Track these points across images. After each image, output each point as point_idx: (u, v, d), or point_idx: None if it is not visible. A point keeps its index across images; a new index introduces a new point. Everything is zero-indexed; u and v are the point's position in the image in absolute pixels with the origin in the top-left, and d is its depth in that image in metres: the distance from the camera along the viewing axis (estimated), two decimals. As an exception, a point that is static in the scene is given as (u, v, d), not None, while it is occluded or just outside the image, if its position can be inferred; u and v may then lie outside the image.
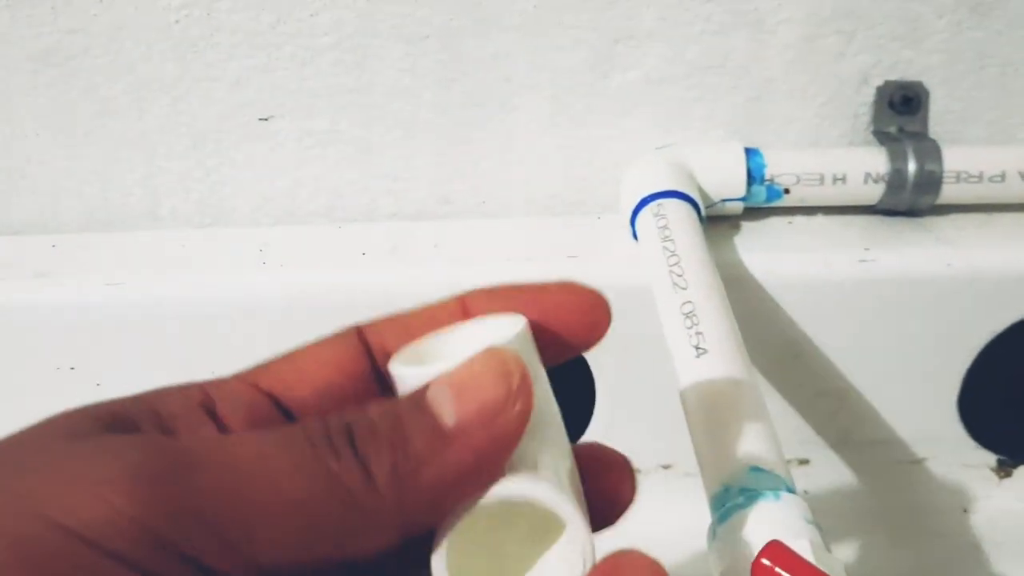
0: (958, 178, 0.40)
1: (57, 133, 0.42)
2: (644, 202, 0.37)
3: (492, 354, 0.15)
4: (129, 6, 0.39)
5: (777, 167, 0.39)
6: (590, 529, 0.16)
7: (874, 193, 0.40)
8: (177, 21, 0.39)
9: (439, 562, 0.15)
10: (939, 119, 0.42)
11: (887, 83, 0.41)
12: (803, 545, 0.21)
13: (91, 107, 0.41)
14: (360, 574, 0.15)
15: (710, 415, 0.27)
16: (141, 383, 0.17)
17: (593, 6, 0.39)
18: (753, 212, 0.41)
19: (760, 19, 0.40)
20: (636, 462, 0.43)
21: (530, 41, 0.40)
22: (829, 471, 0.43)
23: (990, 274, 0.39)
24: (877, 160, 0.40)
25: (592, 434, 0.41)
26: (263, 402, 0.16)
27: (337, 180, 0.43)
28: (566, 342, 0.18)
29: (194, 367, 0.20)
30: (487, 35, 0.40)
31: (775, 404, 0.41)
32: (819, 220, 0.41)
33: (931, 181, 0.39)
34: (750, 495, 0.23)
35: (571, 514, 0.15)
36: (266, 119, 0.41)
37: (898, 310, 0.39)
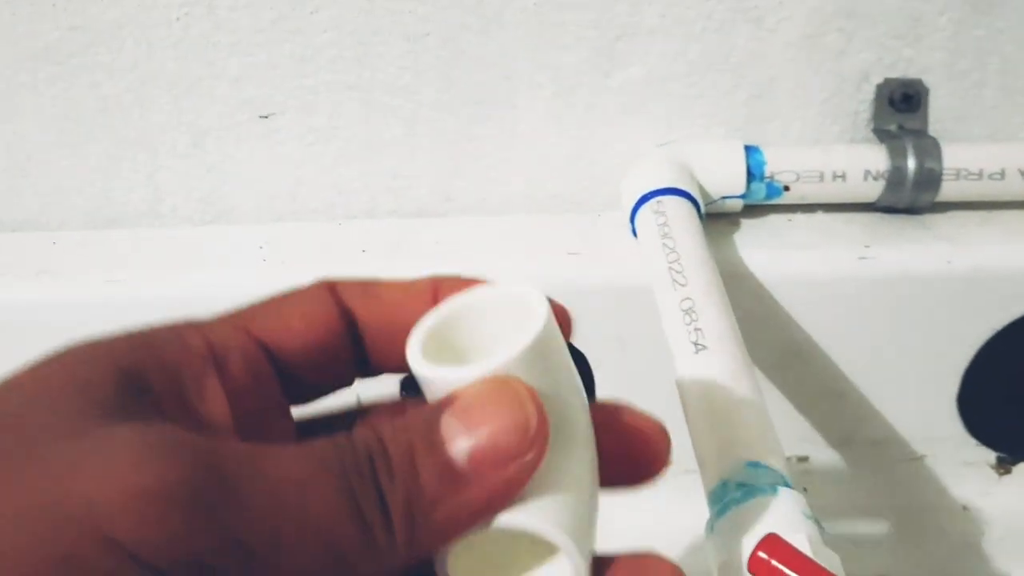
0: (958, 175, 0.40)
1: (58, 130, 0.42)
2: (644, 199, 0.37)
3: (512, 394, 0.15)
4: (131, 4, 0.39)
5: (777, 164, 0.39)
6: (587, 556, 0.16)
7: (874, 190, 0.40)
8: (178, 19, 0.39)
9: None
10: (939, 117, 0.42)
11: (887, 81, 0.41)
12: (800, 539, 0.21)
13: (92, 104, 0.41)
14: None
15: (708, 411, 0.27)
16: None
17: (595, 4, 0.40)
18: (753, 209, 0.41)
19: (761, 17, 0.40)
20: (636, 459, 0.43)
21: (531, 39, 0.40)
22: (829, 468, 0.43)
23: (990, 271, 0.39)
24: (877, 157, 0.40)
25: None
26: (256, 351, 0.17)
27: (338, 177, 0.43)
28: None
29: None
30: (488, 32, 0.40)
31: (775, 401, 0.41)
32: (819, 217, 0.41)
33: (931, 179, 0.39)
34: (748, 490, 0.23)
35: (566, 545, 0.15)
36: (267, 116, 0.41)
37: (898, 307, 0.39)
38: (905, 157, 0.39)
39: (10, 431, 0.13)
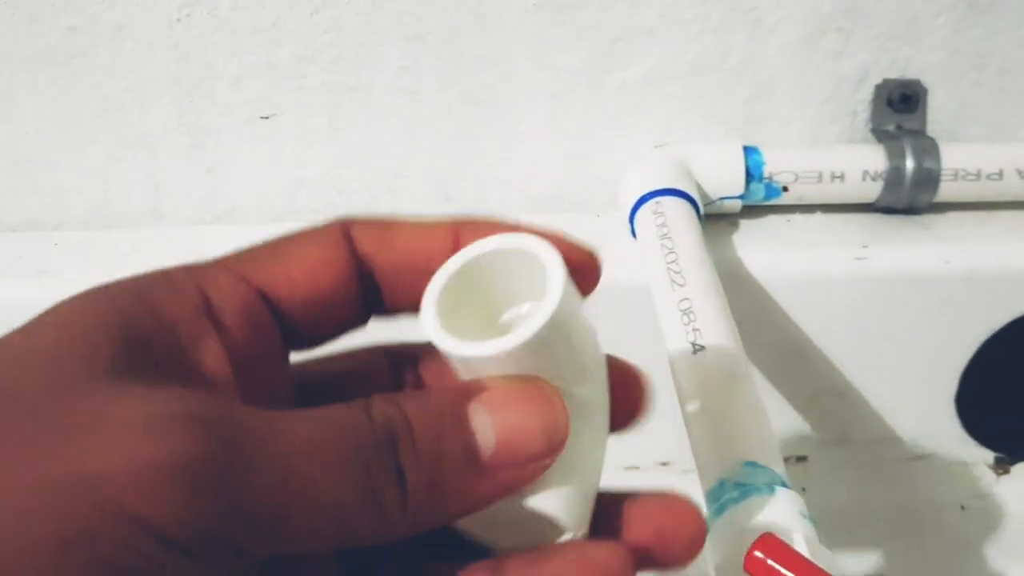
0: (956, 176, 0.40)
1: (59, 131, 0.42)
2: (643, 200, 0.37)
3: (541, 397, 0.15)
4: (131, 4, 0.39)
5: (775, 165, 0.39)
6: (587, 516, 0.17)
7: (872, 191, 0.40)
8: (179, 20, 0.39)
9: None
10: (937, 117, 0.42)
11: (886, 81, 0.42)
12: (797, 539, 0.21)
13: (93, 105, 0.41)
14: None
15: (706, 411, 0.27)
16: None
17: (593, 5, 0.40)
18: (752, 210, 0.41)
19: (759, 18, 0.40)
20: (634, 459, 0.43)
21: (531, 39, 0.40)
22: (827, 468, 0.43)
23: (988, 272, 0.39)
24: (875, 158, 0.40)
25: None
26: (255, 301, 0.16)
27: (337, 178, 0.43)
28: None
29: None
30: (487, 33, 0.40)
31: (773, 401, 0.42)
32: (817, 218, 0.41)
33: (929, 179, 0.39)
34: (745, 489, 0.24)
35: (568, 525, 0.16)
36: (267, 117, 0.42)
37: (896, 307, 0.39)
38: (903, 157, 0.39)
39: (8, 394, 0.13)
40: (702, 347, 0.29)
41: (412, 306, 0.17)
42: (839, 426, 0.42)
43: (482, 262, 0.16)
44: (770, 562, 0.18)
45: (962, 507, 0.42)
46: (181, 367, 0.15)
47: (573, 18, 0.40)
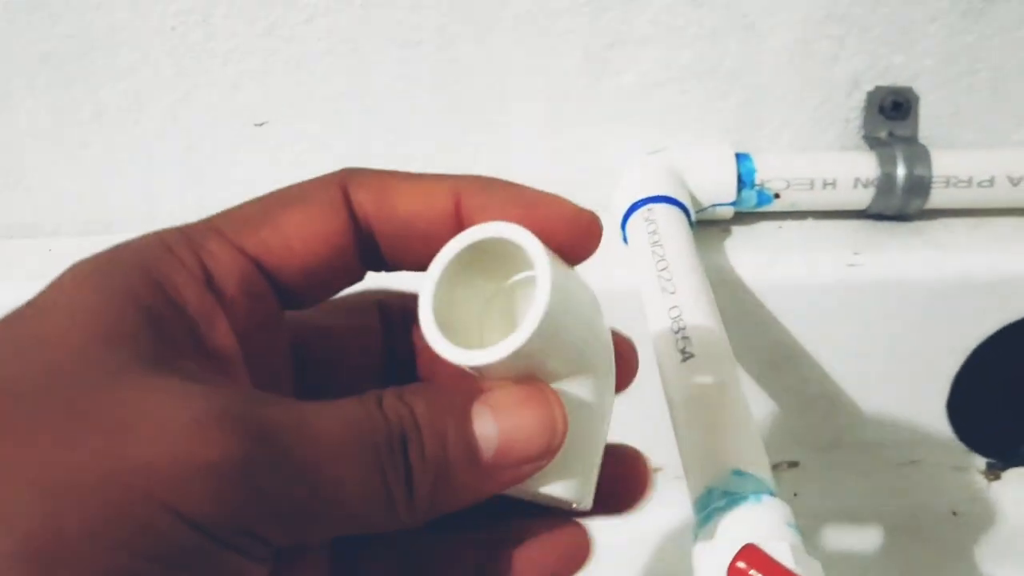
0: (947, 183, 0.40)
1: (54, 137, 0.42)
2: (634, 207, 0.37)
3: (542, 402, 0.16)
4: (126, 11, 0.39)
5: (767, 172, 0.40)
6: (590, 492, 0.18)
7: (864, 198, 0.40)
8: (174, 28, 0.39)
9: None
10: (929, 124, 0.42)
11: (878, 88, 0.42)
12: (782, 548, 0.21)
13: (88, 111, 0.41)
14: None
15: (695, 419, 0.27)
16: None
17: (587, 10, 0.40)
18: (743, 216, 0.41)
19: (752, 24, 0.40)
20: (628, 464, 0.43)
21: (524, 46, 0.41)
22: (819, 474, 0.43)
23: (979, 278, 0.39)
24: (867, 165, 0.40)
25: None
26: (252, 271, 0.16)
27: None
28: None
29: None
30: (481, 40, 0.40)
31: (766, 407, 0.42)
32: (809, 224, 0.41)
33: (920, 186, 0.40)
34: (732, 498, 0.24)
35: (568, 503, 0.17)
36: (261, 124, 0.42)
37: (888, 314, 0.39)
38: (895, 164, 0.40)
39: (39, 381, 0.13)
40: (691, 355, 0.29)
41: (414, 266, 0.18)
42: (831, 432, 0.43)
43: (474, 248, 0.17)
44: (752, 572, 0.18)
45: (954, 512, 0.43)
46: (197, 348, 0.15)
47: (566, 25, 0.40)
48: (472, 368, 0.16)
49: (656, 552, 0.40)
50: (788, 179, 0.40)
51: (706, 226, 0.41)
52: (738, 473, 0.25)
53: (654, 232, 0.35)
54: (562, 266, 0.16)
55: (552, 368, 0.17)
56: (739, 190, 0.39)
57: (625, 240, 0.38)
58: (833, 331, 0.40)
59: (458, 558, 0.18)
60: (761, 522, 0.23)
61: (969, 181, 0.40)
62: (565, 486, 0.17)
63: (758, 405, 0.42)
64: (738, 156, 0.40)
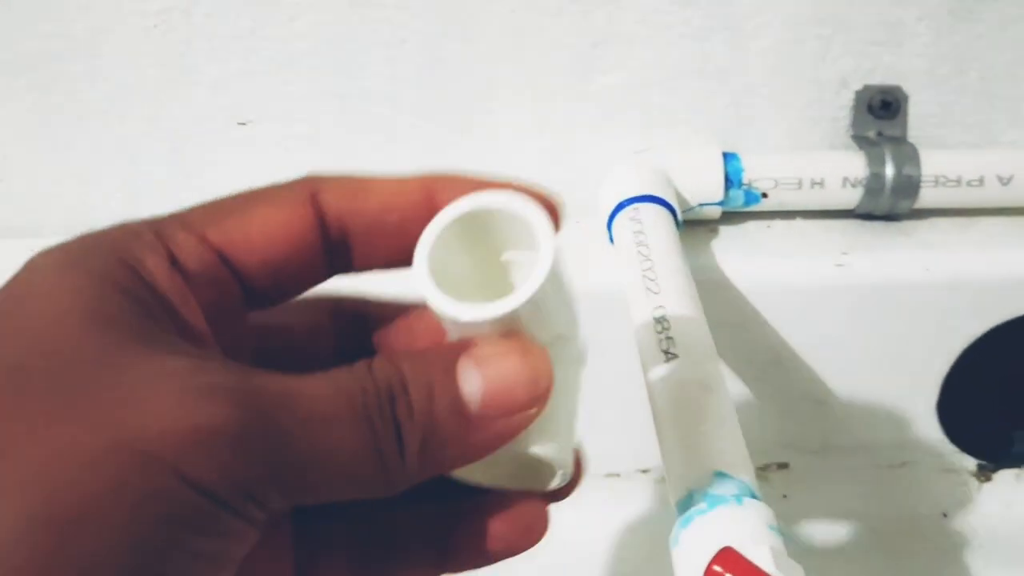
0: (936, 182, 0.40)
1: (36, 137, 0.42)
2: (620, 207, 0.37)
3: (527, 352, 0.16)
4: (107, 11, 0.39)
5: (755, 171, 0.39)
6: (571, 456, 0.18)
7: (852, 197, 0.40)
8: (155, 26, 0.39)
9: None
10: (918, 123, 0.42)
11: (866, 87, 0.41)
12: (763, 551, 0.21)
13: (69, 111, 0.41)
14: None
15: (677, 420, 0.26)
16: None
17: (573, 10, 0.40)
18: (731, 216, 0.41)
19: (739, 23, 0.40)
20: (614, 466, 0.43)
21: (509, 45, 0.40)
22: (809, 475, 0.43)
23: (969, 278, 0.39)
24: (855, 164, 0.40)
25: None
26: (214, 260, 0.17)
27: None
28: None
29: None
30: (467, 39, 0.40)
31: (755, 408, 0.41)
32: (798, 224, 0.41)
33: (909, 185, 0.39)
34: (713, 500, 0.23)
35: (556, 463, 0.17)
36: (244, 124, 0.41)
37: (876, 315, 0.39)
38: (883, 164, 0.39)
39: (47, 357, 0.14)
40: (675, 356, 0.28)
41: (384, 263, 0.18)
42: (821, 433, 0.42)
43: (471, 217, 0.17)
44: (729, 576, 0.18)
45: (944, 514, 0.42)
46: (176, 326, 0.16)
47: (551, 24, 0.40)
48: (465, 324, 0.16)
49: (640, 555, 0.39)
50: (776, 178, 0.39)
51: (694, 226, 0.40)
52: (720, 475, 0.24)
53: (639, 232, 0.35)
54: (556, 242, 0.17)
55: (535, 335, 0.17)
56: (726, 189, 0.39)
57: (611, 240, 0.38)
58: (822, 332, 0.39)
59: (418, 530, 0.19)
60: (742, 525, 0.22)
61: (958, 181, 0.40)
62: (550, 448, 0.18)
63: (747, 406, 0.41)
64: (725, 155, 0.39)
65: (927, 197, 0.40)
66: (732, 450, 0.26)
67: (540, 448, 0.17)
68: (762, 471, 0.43)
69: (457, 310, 0.16)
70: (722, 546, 0.19)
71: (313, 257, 0.17)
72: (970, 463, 0.43)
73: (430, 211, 0.17)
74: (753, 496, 0.24)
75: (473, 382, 0.16)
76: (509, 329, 0.16)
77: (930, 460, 0.43)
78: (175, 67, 0.40)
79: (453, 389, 0.16)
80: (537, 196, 0.17)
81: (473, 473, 0.18)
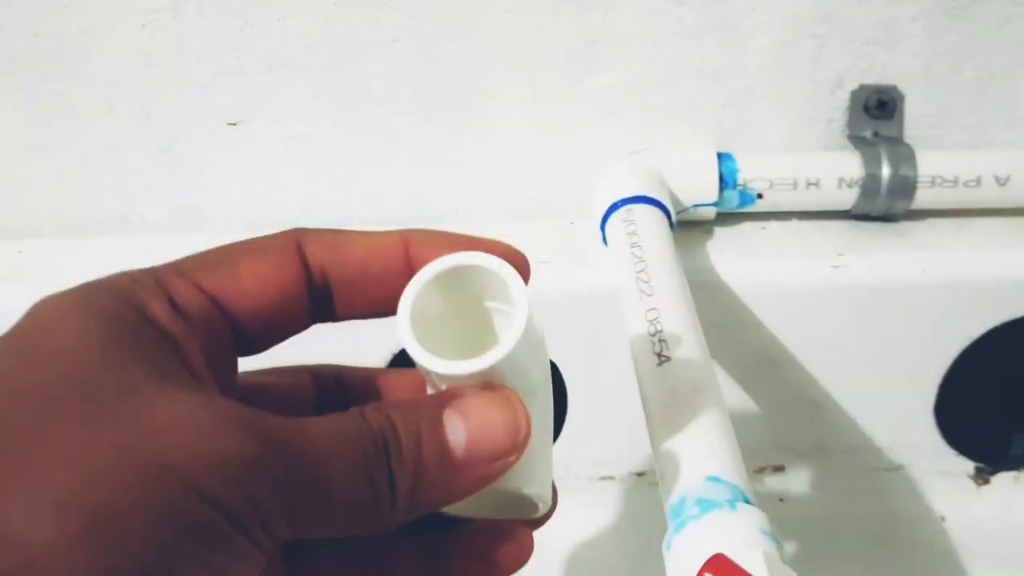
0: (933, 183, 0.39)
1: (25, 138, 0.41)
2: (614, 207, 0.37)
3: (507, 405, 0.18)
4: (96, 10, 0.38)
5: (750, 172, 0.39)
6: (549, 489, 0.20)
7: (848, 198, 0.40)
8: (144, 25, 0.39)
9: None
10: (915, 123, 0.42)
11: (862, 87, 0.41)
12: (756, 556, 0.21)
13: (60, 112, 0.41)
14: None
15: (670, 423, 0.26)
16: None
17: (568, 9, 0.39)
18: (726, 217, 0.41)
19: (734, 23, 0.40)
20: (609, 469, 0.43)
21: (504, 44, 0.40)
22: (805, 478, 0.43)
23: (965, 279, 0.38)
24: (851, 165, 0.39)
25: (565, 440, 0.41)
26: (209, 306, 0.18)
27: (310, 185, 0.43)
28: None
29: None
30: (460, 39, 0.40)
31: (750, 411, 0.41)
32: (793, 225, 0.41)
33: (905, 186, 0.39)
34: (706, 505, 0.23)
35: (536, 498, 0.19)
36: (235, 124, 0.41)
37: (873, 316, 0.39)
38: (879, 164, 0.39)
39: (64, 386, 0.15)
40: (668, 358, 0.28)
41: (365, 312, 0.19)
42: (817, 436, 0.42)
43: (450, 272, 0.18)
44: (720, 584, 0.18)
45: (942, 518, 0.42)
46: (187, 368, 0.17)
47: (547, 23, 0.40)
48: (448, 377, 0.17)
49: (635, 559, 0.39)
50: (771, 179, 0.39)
51: (688, 227, 0.40)
52: (713, 479, 0.24)
53: (633, 233, 0.34)
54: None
55: (513, 384, 0.18)
56: (721, 190, 0.39)
57: (605, 241, 0.37)
58: (817, 334, 0.39)
59: (407, 558, 0.20)
60: (735, 530, 0.22)
61: (955, 181, 0.39)
62: (529, 484, 0.19)
63: (741, 409, 0.41)
64: (720, 156, 0.39)
65: (923, 198, 0.39)
66: (726, 454, 0.25)
67: (520, 485, 0.19)
68: (757, 474, 0.42)
69: (440, 365, 0.17)
70: (714, 552, 0.19)
71: (299, 305, 0.19)
72: (968, 466, 0.43)
73: (407, 263, 0.19)
74: (746, 501, 0.23)
75: (458, 431, 0.17)
76: (489, 380, 0.18)
77: (927, 463, 0.42)
78: (165, 67, 0.40)
79: (440, 437, 0.17)
80: (507, 252, 0.19)
81: (459, 508, 0.19)
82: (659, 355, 0.28)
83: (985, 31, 0.40)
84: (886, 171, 0.39)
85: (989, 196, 0.40)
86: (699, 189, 0.39)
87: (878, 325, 0.39)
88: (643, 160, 0.40)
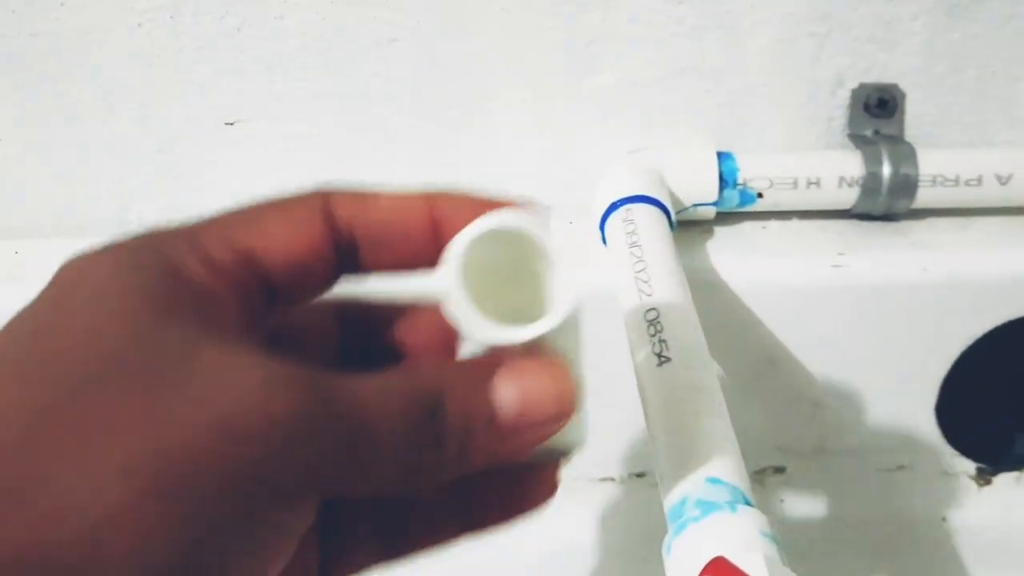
0: (934, 182, 0.39)
1: (22, 137, 0.41)
2: (613, 207, 0.37)
3: (558, 373, 0.18)
4: (93, 9, 0.38)
5: (750, 171, 0.39)
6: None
7: (849, 197, 0.39)
8: (140, 24, 0.38)
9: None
10: (915, 122, 0.42)
11: (862, 86, 0.41)
12: (756, 559, 0.20)
13: (57, 111, 0.41)
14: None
15: (670, 424, 0.26)
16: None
17: (567, 9, 0.39)
18: (726, 217, 0.40)
19: (734, 22, 0.40)
20: (609, 470, 0.42)
21: (504, 44, 0.40)
22: (805, 479, 0.42)
23: (967, 279, 0.38)
24: (852, 163, 0.39)
25: (565, 442, 0.41)
26: (242, 264, 0.17)
27: (309, 184, 0.42)
28: None
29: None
30: (460, 38, 0.40)
31: (750, 411, 0.41)
32: (794, 225, 0.41)
33: (906, 185, 0.39)
34: (706, 507, 0.23)
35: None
36: (232, 123, 0.41)
37: (874, 316, 0.39)
38: (880, 163, 0.39)
39: (118, 347, 0.15)
40: (668, 359, 0.28)
41: (390, 268, 0.19)
42: (817, 437, 0.42)
43: (491, 236, 0.18)
44: (720, 587, 0.17)
45: (943, 519, 0.42)
46: (231, 326, 0.17)
47: (547, 22, 0.39)
48: (499, 344, 0.17)
49: (635, 561, 0.39)
50: (771, 178, 0.39)
51: (688, 227, 0.40)
52: (713, 481, 0.24)
53: (632, 232, 0.34)
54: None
55: (556, 349, 0.18)
56: (721, 189, 0.39)
57: (604, 241, 0.37)
58: (818, 334, 0.39)
59: (441, 498, 0.20)
60: (735, 532, 0.22)
61: (956, 180, 0.39)
62: (568, 438, 0.19)
63: (742, 410, 0.41)
64: (720, 155, 0.39)
65: (925, 197, 0.39)
66: (726, 455, 0.25)
67: (560, 440, 0.19)
68: (758, 475, 0.42)
69: (493, 333, 0.17)
70: (714, 555, 0.19)
71: (326, 261, 0.18)
72: (969, 466, 0.42)
73: (431, 223, 0.19)
74: (747, 502, 0.23)
75: (509, 398, 0.17)
76: (536, 345, 0.17)
77: (929, 463, 0.42)
78: (163, 66, 0.40)
79: (489, 404, 0.17)
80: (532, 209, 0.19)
81: None
82: (659, 355, 0.28)
83: (986, 30, 0.40)
84: (887, 170, 0.39)
85: (991, 195, 0.39)
86: (699, 188, 0.39)
87: (879, 325, 0.39)
88: (643, 160, 0.39)
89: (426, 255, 0.19)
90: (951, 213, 0.40)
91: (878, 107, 0.41)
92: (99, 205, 0.43)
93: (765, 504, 0.42)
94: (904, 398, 0.41)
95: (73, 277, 0.16)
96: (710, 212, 0.39)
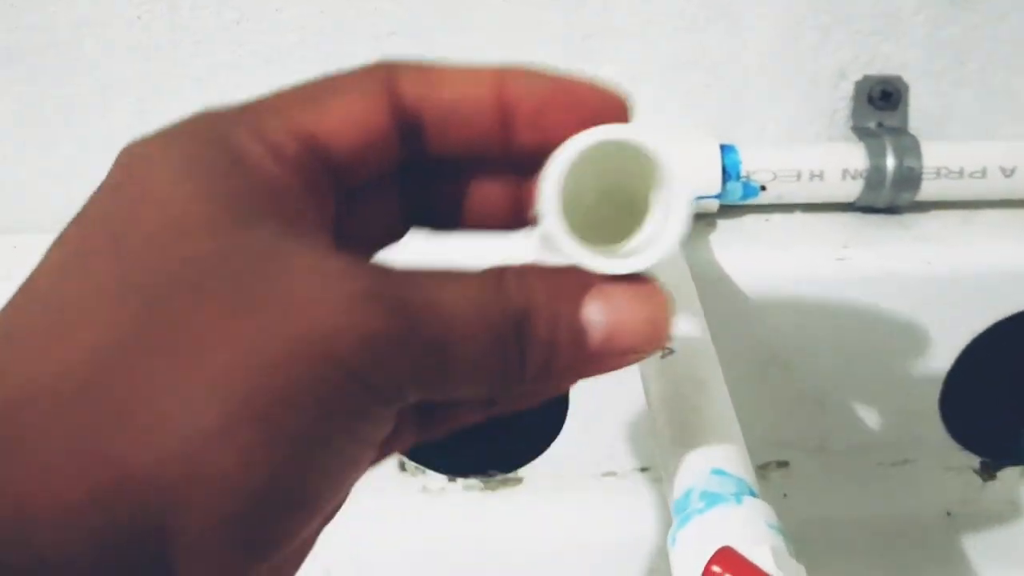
0: (938, 174, 0.39)
1: (19, 133, 0.41)
2: (615, 200, 0.36)
3: (652, 300, 0.17)
4: (89, 2, 0.38)
5: (753, 163, 0.39)
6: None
7: (852, 190, 0.39)
8: (139, 17, 0.38)
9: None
10: (919, 115, 0.41)
11: (866, 78, 0.41)
12: (763, 551, 0.20)
13: (53, 106, 0.40)
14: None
15: (674, 417, 0.26)
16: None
17: (564, 3, 0.39)
18: (729, 210, 0.40)
19: (736, 14, 0.39)
20: (613, 464, 0.42)
21: (501, 37, 0.40)
22: (809, 474, 0.42)
23: (971, 272, 0.38)
24: (855, 156, 0.39)
25: (568, 435, 0.40)
26: (307, 149, 0.17)
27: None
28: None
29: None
30: (458, 32, 0.39)
31: (753, 405, 0.41)
32: (797, 217, 0.40)
33: (910, 177, 0.39)
34: (711, 499, 0.22)
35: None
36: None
37: (877, 309, 0.38)
38: (884, 155, 0.38)
39: (199, 252, 0.14)
40: (671, 351, 0.28)
41: (456, 150, 0.18)
42: (821, 431, 0.41)
43: (593, 150, 0.17)
44: (727, 577, 0.17)
45: (948, 513, 0.42)
46: (301, 221, 0.16)
47: (545, 15, 0.39)
48: (600, 271, 0.16)
49: (639, 555, 0.39)
50: (775, 171, 0.39)
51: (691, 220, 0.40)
52: (718, 472, 0.24)
53: (635, 225, 0.34)
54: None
55: (655, 274, 0.17)
56: (724, 182, 0.38)
57: (606, 234, 0.37)
58: (822, 327, 0.39)
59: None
60: (741, 524, 0.21)
61: (961, 172, 0.39)
62: None
63: (746, 404, 0.40)
64: (723, 147, 0.39)
65: (929, 189, 0.39)
66: (730, 447, 0.25)
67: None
68: (761, 470, 0.42)
69: (596, 263, 0.16)
70: (721, 546, 0.18)
71: (390, 143, 0.17)
72: (974, 461, 0.42)
73: (500, 104, 0.18)
74: (752, 494, 0.23)
75: (598, 320, 0.16)
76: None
77: (933, 458, 0.42)
78: (160, 60, 0.39)
79: (578, 323, 0.16)
80: (603, 94, 0.18)
81: None
82: (662, 348, 0.28)
83: (989, 22, 0.40)
84: (891, 162, 0.38)
85: (995, 187, 0.39)
86: (702, 181, 0.38)
87: (882, 318, 0.39)
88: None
89: (496, 137, 0.18)
90: (955, 206, 0.40)
91: (881, 99, 0.40)
92: (97, 201, 0.42)
93: (768, 498, 0.41)
94: (908, 392, 0.40)
95: (142, 173, 0.16)
96: (713, 205, 0.39)
